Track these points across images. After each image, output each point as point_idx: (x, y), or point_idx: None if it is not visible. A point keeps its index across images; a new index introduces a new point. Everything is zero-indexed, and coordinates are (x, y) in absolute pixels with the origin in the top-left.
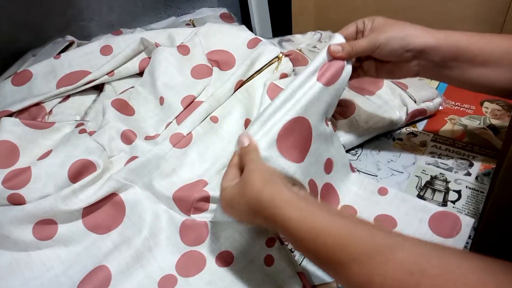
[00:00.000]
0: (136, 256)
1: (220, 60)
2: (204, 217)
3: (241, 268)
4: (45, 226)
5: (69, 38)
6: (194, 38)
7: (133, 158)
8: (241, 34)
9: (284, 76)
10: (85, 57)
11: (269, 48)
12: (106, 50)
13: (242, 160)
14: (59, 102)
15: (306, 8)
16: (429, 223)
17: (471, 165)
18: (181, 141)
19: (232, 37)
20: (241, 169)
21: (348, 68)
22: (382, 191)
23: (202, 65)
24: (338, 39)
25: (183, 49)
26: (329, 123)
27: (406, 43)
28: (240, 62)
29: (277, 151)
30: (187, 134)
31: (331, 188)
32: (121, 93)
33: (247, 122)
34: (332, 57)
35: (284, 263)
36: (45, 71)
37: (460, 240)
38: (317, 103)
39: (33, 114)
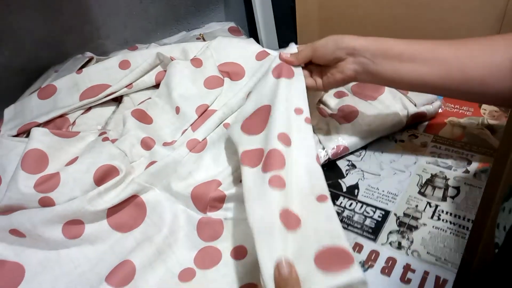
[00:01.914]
0: (157, 252)
1: (231, 72)
2: (219, 215)
3: (254, 260)
4: (73, 226)
5: (89, 54)
6: (206, 51)
7: (152, 162)
8: (250, 47)
9: None
10: (105, 72)
11: None
12: (124, 65)
13: None
14: (82, 114)
15: (311, 20)
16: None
17: (469, 163)
18: (196, 147)
19: (241, 50)
20: None
21: (299, 69)
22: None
23: (214, 76)
24: (292, 48)
25: (196, 62)
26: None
27: (339, 43)
28: (250, 73)
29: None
30: (202, 140)
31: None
32: (139, 103)
33: None
34: (283, 61)
35: None
36: (68, 85)
37: None
38: (274, 92)
39: (58, 125)
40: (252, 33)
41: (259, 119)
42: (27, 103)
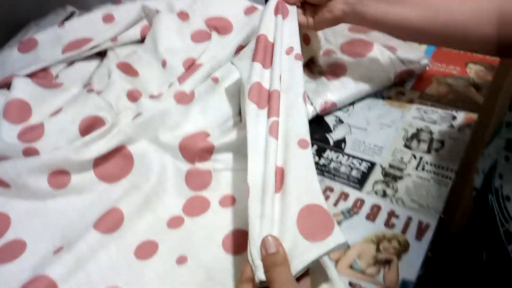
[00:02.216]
0: (145, 200)
1: (219, 26)
2: (207, 166)
3: (242, 208)
4: (59, 176)
5: (70, 8)
6: (193, 5)
7: (139, 115)
8: (239, 2)
9: None
10: (88, 25)
11: None
12: (108, 18)
13: (268, 272)
14: (65, 68)
15: None
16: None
17: (454, 118)
18: (184, 98)
19: (229, 4)
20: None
21: (293, 8)
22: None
23: (201, 30)
24: None
25: (183, 16)
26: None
27: None
28: (239, 28)
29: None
30: (190, 93)
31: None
32: (124, 57)
33: None
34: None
35: None
36: (50, 39)
37: None
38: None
39: (40, 78)
40: None
41: (267, 53)
42: (7, 57)
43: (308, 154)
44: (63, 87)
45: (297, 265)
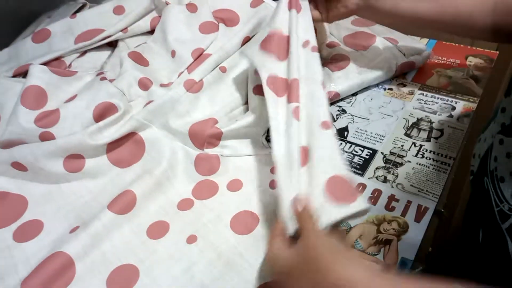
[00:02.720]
0: (157, 183)
1: (226, 18)
2: (215, 151)
3: (250, 191)
4: (74, 160)
5: (81, 0)
6: None
7: (150, 102)
8: None
9: None
10: (100, 17)
11: None
12: (118, 10)
13: (299, 223)
14: (77, 57)
15: None
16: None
17: (453, 108)
18: (193, 87)
19: None
20: (294, 237)
21: (305, 2)
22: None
23: (209, 21)
24: None
25: (191, 7)
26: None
27: None
28: (245, 20)
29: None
30: (199, 81)
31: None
32: (135, 47)
33: None
34: None
35: None
36: (63, 30)
37: None
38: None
39: (54, 67)
40: None
41: (281, 45)
42: (21, 47)
43: (330, 134)
44: (77, 75)
45: (323, 222)
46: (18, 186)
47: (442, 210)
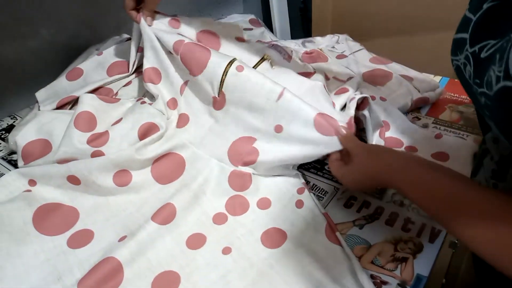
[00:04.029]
0: (194, 196)
1: None
2: (249, 170)
3: (277, 210)
4: (122, 175)
5: (126, 35)
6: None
7: (182, 115)
8: (300, 79)
9: None
10: (124, 52)
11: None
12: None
13: (347, 145)
14: (123, 86)
15: (325, 16)
16: None
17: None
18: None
19: (293, 80)
20: (347, 157)
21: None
22: (438, 136)
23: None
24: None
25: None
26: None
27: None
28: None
29: None
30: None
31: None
32: None
33: None
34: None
35: (312, 206)
36: (93, 66)
37: None
38: None
39: (102, 94)
40: (267, 24)
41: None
42: (57, 85)
43: None
44: (121, 101)
45: None
46: (70, 199)
47: (456, 242)
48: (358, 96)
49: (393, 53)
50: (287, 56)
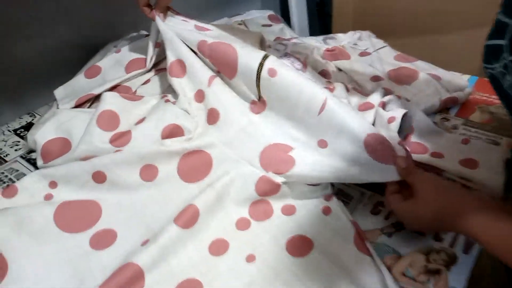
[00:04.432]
0: (218, 197)
1: None
2: (280, 179)
3: (302, 216)
4: (149, 169)
5: (144, 32)
6: None
7: (211, 110)
8: None
9: None
10: (142, 49)
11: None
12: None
13: (407, 178)
14: (142, 84)
15: (346, 12)
16: None
17: (497, 144)
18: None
19: None
20: (406, 190)
21: None
22: (465, 141)
23: None
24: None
25: None
26: None
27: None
28: None
29: None
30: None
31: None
32: None
33: None
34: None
35: (340, 213)
36: (111, 64)
37: None
38: None
39: (121, 92)
40: (285, 19)
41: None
42: (76, 83)
43: None
44: (144, 99)
45: None
46: (95, 197)
47: None
48: (399, 114)
49: (418, 51)
50: (301, 66)
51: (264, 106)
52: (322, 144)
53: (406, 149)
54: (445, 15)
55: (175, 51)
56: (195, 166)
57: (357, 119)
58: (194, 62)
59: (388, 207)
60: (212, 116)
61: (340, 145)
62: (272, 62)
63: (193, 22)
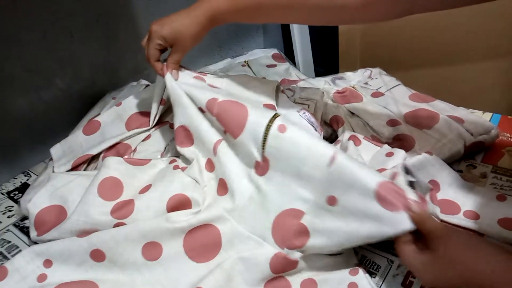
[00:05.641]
0: (227, 278)
1: None
2: (296, 255)
3: None
4: (152, 247)
5: (143, 82)
6: None
7: (221, 180)
8: None
9: None
10: (143, 102)
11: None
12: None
13: (423, 227)
14: (142, 141)
15: (353, 46)
16: None
17: None
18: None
19: None
20: (420, 242)
21: None
22: (501, 198)
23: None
24: None
25: None
26: None
27: None
28: None
29: None
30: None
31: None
32: None
33: None
34: None
35: None
36: (111, 118)
37: None
38: None
39: (120, 152)
40: (288, 56)
41: None
42: (73, 140)
43: None
44: (151, 163)
45: None
46: (91, 275)
47: None
48: (399, 163)
49: (430, 86)
50: (319, 129)
51: (267, 167)
52: (332, 201)
53: (420, 195)
54: (456, 47)
55: (182, 116)
56: (203, 243)
57: (366, 170)
58: (199, 128)
59: (401, 259)
60: (222, 186)
61: (350, 200)
62: (282, 119)
63: (207, 80)
